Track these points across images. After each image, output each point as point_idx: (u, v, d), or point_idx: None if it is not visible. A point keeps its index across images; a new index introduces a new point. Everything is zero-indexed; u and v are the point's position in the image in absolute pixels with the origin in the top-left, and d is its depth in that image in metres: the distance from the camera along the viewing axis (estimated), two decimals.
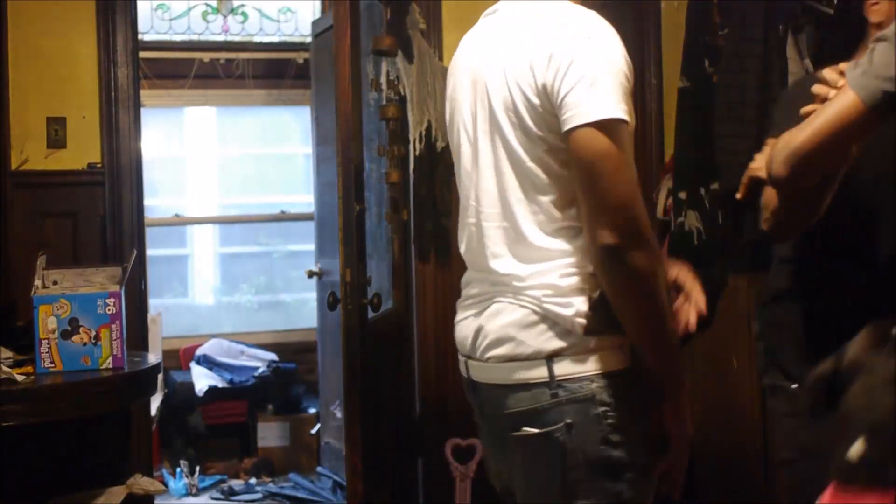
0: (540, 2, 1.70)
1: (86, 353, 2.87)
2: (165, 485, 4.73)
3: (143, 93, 3.85)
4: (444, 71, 3.88)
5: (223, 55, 5.59)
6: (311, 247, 5.20)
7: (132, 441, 3.04)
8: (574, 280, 1.64)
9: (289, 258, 6.09)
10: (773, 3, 3.15)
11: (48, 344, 2.85)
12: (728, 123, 3.22)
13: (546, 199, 1.65)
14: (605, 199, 1.55)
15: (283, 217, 5.95)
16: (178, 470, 4.82)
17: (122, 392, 2.92)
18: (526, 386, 1.64)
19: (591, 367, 1.63)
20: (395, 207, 3.71)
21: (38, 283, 2.90)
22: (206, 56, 5.59)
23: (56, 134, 3.58)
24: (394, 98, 3.67)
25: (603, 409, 1.62)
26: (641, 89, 4.15)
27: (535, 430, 1.63)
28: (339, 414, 4.44)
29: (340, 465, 4.38)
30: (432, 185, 3.78)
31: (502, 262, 1.69)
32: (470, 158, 1.75)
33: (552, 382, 1.62)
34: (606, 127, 1.55)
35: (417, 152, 3.72)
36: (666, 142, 4.04)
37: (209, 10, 5.56)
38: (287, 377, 5.40)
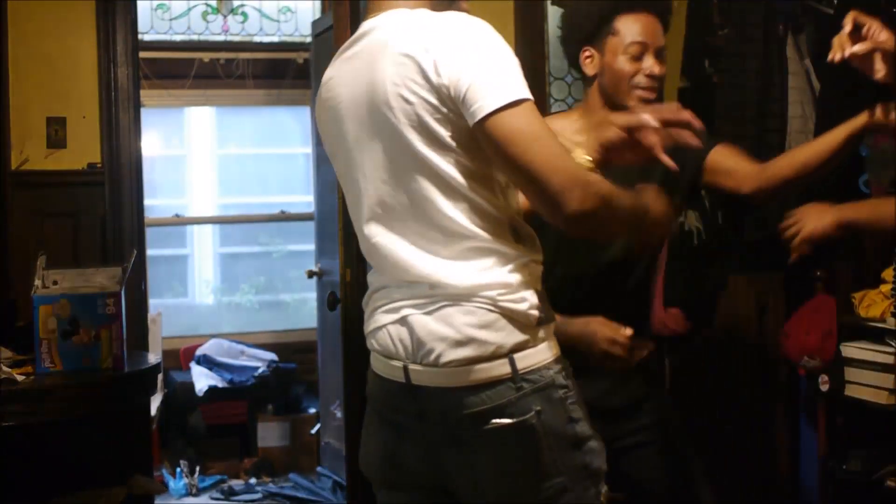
0: (398, 16, 1.70)
1: (86, 353, 2.87)
2: (165, 485, 4.73)
3: (143, 93, 3.84)
4: None
5: (223, 55, 5.59)
6: (311, 247, 5.20)
7: (132, 441, 3.03)
8: (521, 275, 1.68)
9: (289, 258, 6.09)
10: (773, 3, 3.15)
11: (48, 344, 2.85)
12: (728, 123, 3.22)
13: (475, 199, 1.66)
14: (535, 174, 1.56)
15: (282, 217, 5.94)
16: (178, 470, 4.82)
17: (122, 392, 2.92)
18: (491, 384, 1.66)
19: (545, 355, 1.69)
20: None
21: (38, 283, 2.90)
22: (206, 56, 5.59)
23: (56, 134, 3.58)
24: None
25: (562, 391, 1.69)
26: None
27: (509, 421, 1.66)
28: (339, 414, 4.43)
29: (340, 465, 4.38)
30: None
31: (446, 264, 1.67)
32: (388, 154, 1.70)
33: (516, 376, 1.66)
34: (513, 108, 1.57)
35: None
36: None
37: (209, 10, 5.56)
38: (287, 377, 5.39)
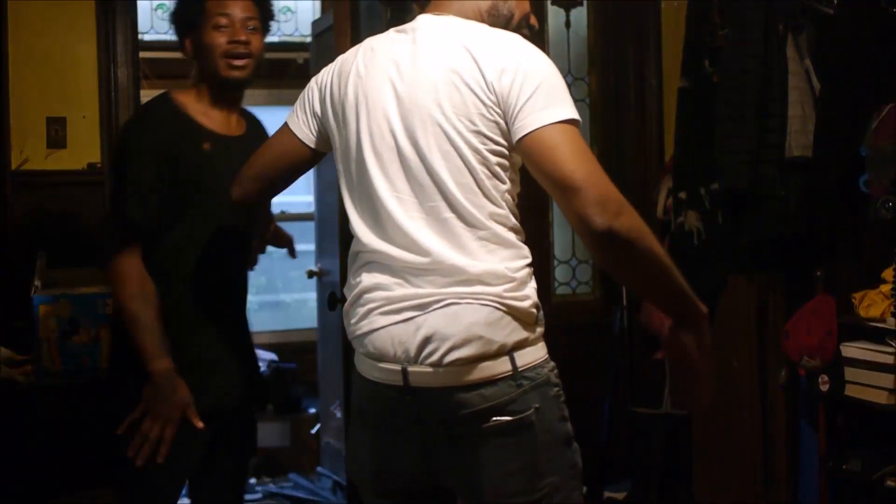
0: (452, 19, 1.79)
1: (86, 353, 2.88)
2: None
3: (143, 93, 3.84)
4: None
5: None
6: (311, 247, 5.20)
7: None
8: (524, 272, 1.73)
9: (289, 258, 6.07)
10: (773, 3, 3.14)
11: (48, 344, 2.85)
12: (728, 123, 3.22)
13: (493, 194, 1.71)
14: (573, 186, 1.60)
15: (283, 217, 5.94)
16: None
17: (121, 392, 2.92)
18: (492, 381, 1.69)
19: (542, 353, 1.75)
20: None
21: (38, 283, 2.90)
22: None
23: (56, 134, 3.58)
24: None
25: (556, 388, 1.75)
26: (641, 89, 4.15)
27: (509, 418, 1.68)
28: (339, 414, 4.43)
29: (340, 465, 4.38)
30: None
31: (453, 257, 1.70)
32: (391, 149, 1.75)
33: (517, 374, 1.70)
34: (562, 125, 1.65)
35: None
36: (666, 142, 4.04)
37: None
38: (287, 377, 5.39)
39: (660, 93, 4.11)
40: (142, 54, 3.81)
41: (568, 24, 4.14)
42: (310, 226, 5.22)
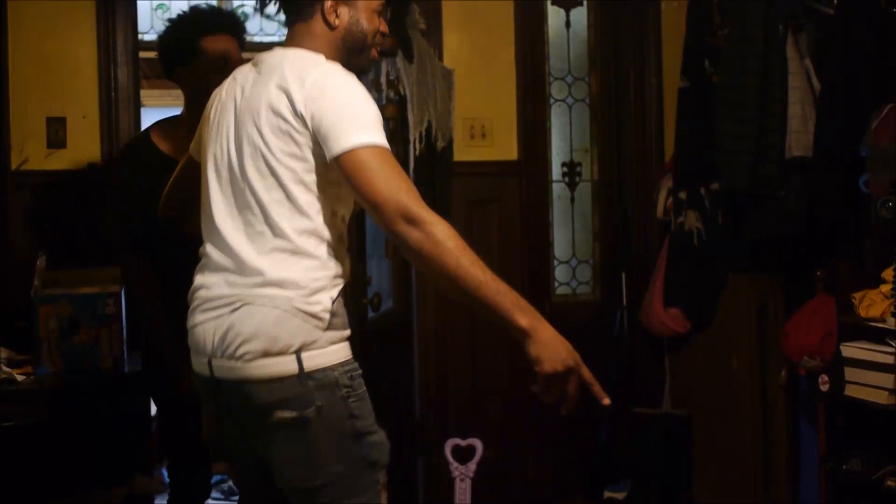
0: (292, 51, 2.01)
1: (86, 353, 2.88)
2: (165, 485, 4.72)
3: (143, 93, 3.84)
4: (445, 71, 3.90)
5: None
6: None
7: (132, 441, 3.03)
8: (321, 282, 1.90)
9: None
10: (773, 3, 3.15)
11: (48, 344, 2.85)
12: (728, 123, 3.22)
13: (302, 208, 1.90)
14: (377, 202, 1.81)
15: None
16: None
17: (122, 392, 2.92)
18: (279, 379, 1.88)
19: (334, 357, 1.91)
20: None
21: (37, 283, 2.90)
22: None
23: (56, 134, 3.58)
24: (393, 98, 3.67)
25: (346, 389, 1.91)
26: (641, 89, 4.15)
27: (291, 414, 1.88)
28: None
29: None
30: (432, 185, 3.78)
31: (257, 264, 1.91)
32: (226, 167, 1.99)
33: (302, 374, 1.88)
34: (365, 150, 1.83)
35: (417, 152, 3.72)
36: (666, 142, 4.04)
37: None
38: None
39: (660, 93, 4.11)
40: (142, 54, 3.81)
41: (568, 24, 4.14)
42: None
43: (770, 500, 3.49)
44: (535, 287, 3.97)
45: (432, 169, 3.78)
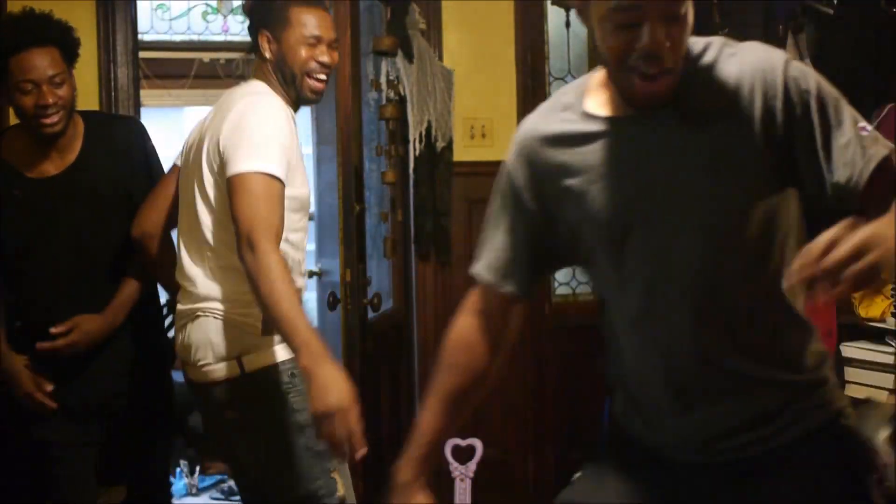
0: (247, 84, 2.29)
1: None
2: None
3: (143, 93, 3.84)
4: (445, 71, 3.90)
5: (223, 55, 5.58)
6: (311, 247, 5.19)
7: None
8: (248, 294, 2.07)
9: None
10: (773, 3, 3.15)
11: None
12: None
13: (227, 226, 2.10)
14: (235, 223, 2.04)
15: None
16: (178, 470, 4.82)
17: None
18: (226, 381, 2.16)
19: (273, 358, 2.16)
20: (391, 207, 3.72)
21: None
22: (206, 56, 5.59)
23: None
24: (393, 98, 3.67)
25: (286, 385, 2.15)
26: None
27: (238, 412, 2.17)
28: None
29: None
30: (432, 185, 3.78)
31: (202, 280, 2.19)
32: (188, 189, 2.24)
33: (244, 375, 2.15)
34: (247, 175, 2.04)
35: (417, 152, 3.71)
36: None
37: (209, 10, 5.55)
38: None
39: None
40: (142, 54, 3.81)
41: (568, 24, 4.14)
42: (310, 226, 5.23)
43: None
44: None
45: (432, 169, 3.78)
